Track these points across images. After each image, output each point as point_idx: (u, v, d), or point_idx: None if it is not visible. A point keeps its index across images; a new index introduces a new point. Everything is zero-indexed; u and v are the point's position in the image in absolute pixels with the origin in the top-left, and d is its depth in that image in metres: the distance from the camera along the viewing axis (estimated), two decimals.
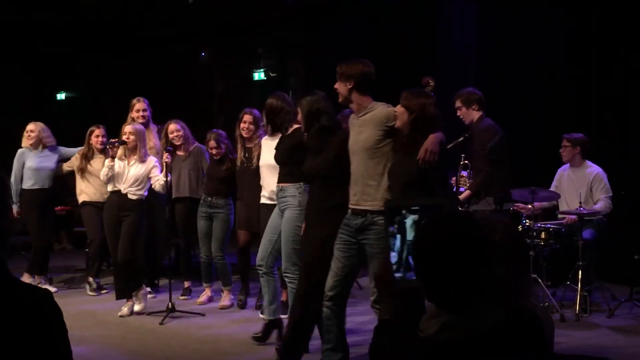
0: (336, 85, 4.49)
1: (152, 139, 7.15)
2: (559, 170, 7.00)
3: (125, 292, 6.51)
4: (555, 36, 7.95)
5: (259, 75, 10.93)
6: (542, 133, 7.67)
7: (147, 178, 6.50)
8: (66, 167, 7.61)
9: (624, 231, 6.84)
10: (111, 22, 11.05)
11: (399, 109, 4.28)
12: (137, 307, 6.44)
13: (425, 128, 4.20)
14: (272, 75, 10.93)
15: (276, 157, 5.41)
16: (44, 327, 1.77)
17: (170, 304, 6.33)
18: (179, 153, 7.04)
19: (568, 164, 6.92)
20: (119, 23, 11.10)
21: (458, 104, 5.96)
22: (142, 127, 6.56)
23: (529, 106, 7.88)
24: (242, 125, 6.44)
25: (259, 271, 5.43)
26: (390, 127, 4.31)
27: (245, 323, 6.22)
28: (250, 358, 5.25)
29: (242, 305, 6.73)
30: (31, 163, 7.50)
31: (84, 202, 7.44)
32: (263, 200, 6.09)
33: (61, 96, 13.10)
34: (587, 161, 6.84)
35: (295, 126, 5.29)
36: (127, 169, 6.43)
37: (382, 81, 7.28)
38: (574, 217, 6.36)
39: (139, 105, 7.18)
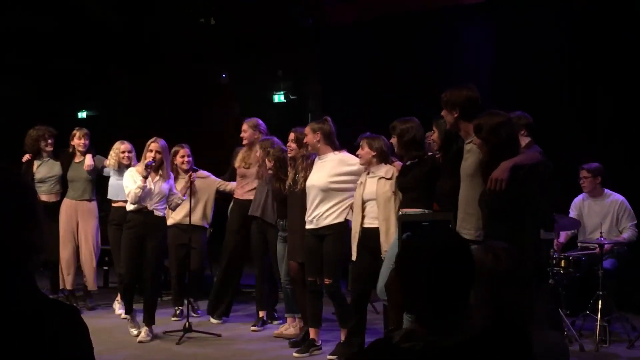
0: (443, 113, 4.40)
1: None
2: (577, 200, 6.94)
3: (153, 317, 6.36)
4: (573, 61, 7.94)
5: (278, 97, 10.97)
6: (559, 158, 7.62)
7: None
8: None
9: None
10: (131, 41, 11.16)
11: (476, 140, 4.10)
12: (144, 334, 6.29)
13: (500, 153, 3.98)
14: (291, 97, 10.96)
15: (404, 183, 5.17)
16: (71, 344, 1.77)
17: (187, 323, 6.33)
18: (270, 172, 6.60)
19: (585, 194, 6.87)
20: (139, 42, 11.21)
21: None
22: (165, 143, 6.43)
23: (545, 130, 7.84)
24: (287, 144, 6.21)
25: (383, 302, 5.19)
26: None
27: (263, 343, 6.22)
28: None
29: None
30: (112, 181, 7.46)
31: (169, 226, 7.05)
32: (308, 226, 5.82)
33: (82, 115, 13.21)
34: (605, 190, 6.81)
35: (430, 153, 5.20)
36: (153, 186, 6.28)
37: (399, 102, 7.30)
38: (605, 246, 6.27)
39: (243, 127, 7.03)
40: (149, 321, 6.31)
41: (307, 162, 6.02)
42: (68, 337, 1.76)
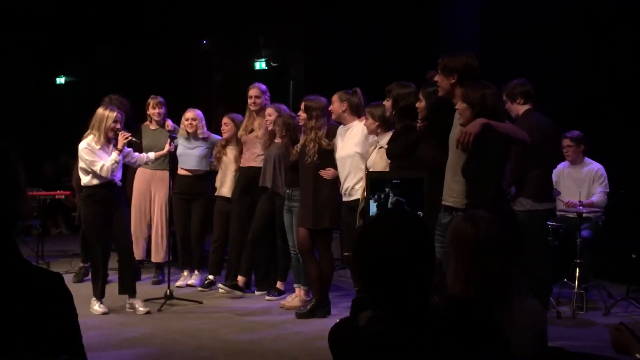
0: (437, 78, 4.33)
1: (263, 126, 6.79)
2: (557, 169, 6.99)
3: (133, 286, 6.24)
4: (561, 30, 7.91)
5: (259, 64, 10.89)
6: None
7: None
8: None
9: (621, 230, 6.86)
10: (112, 8, 11.02)
11: (460, 105, 4.07)
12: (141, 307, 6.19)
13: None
14: (273, 65, 10.90)
15: (393, 150, 5.06)
16: (55, 309, 1.78)
17: (168, 291, 6.34)
18: (277, 140, 6.52)
19: (566, 162, 6.93)
20: (120, 9, 11.07)
21: (504, 97, 5.63)
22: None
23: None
24: (298, 113, 6.08)
25: None
26: None
27: (244, 310, 6.26)
28: (251, 344, 5.28)
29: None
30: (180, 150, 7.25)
31: (217, 196, 7.20)
32: (344, 199, 5.76)
33: (60, 80, 13.09)
34: (586, 158, 6.86)
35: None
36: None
37: (385, 74, 7.27)
38: (575, 201, 6.35)
39: (251, 92, 6.94)
40: (134, 290, 6.26)
41: (319, 134, 5.92)
42: (51, 303, 1.77)
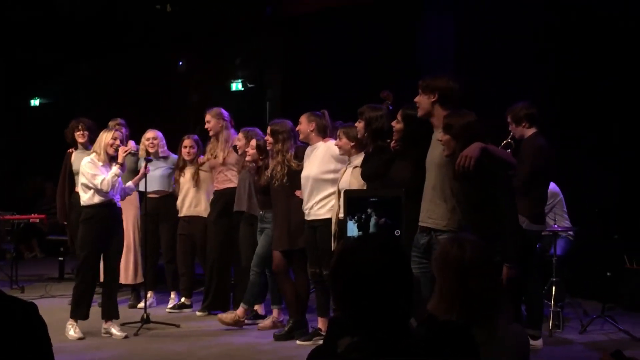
0: (417, 99, 4.33)
1: (225, 149, 6.88)
2: None
3: (115, 311, 6.16)
4: (535, 46, 8.00)
5: (236, 85, 10.92)
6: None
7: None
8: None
9: (596, 248, 6.92)
10: (88, 28, 11.00)
11: (442, 137, 4.08)
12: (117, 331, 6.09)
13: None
14: (249, 85, 10.93)
15: (367, 170, 5.07)
16: (29, 339, 1.76)
17: (145, 314, 6.28)
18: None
19: None
20: (95, 29, 11.05)
21: (508, 119, 5.67)
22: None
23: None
24: (266, 137, 6.10)
25: None
26: None
27: (222, 333, 6.20)
28: None
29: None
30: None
31: (179, 217, 7.24)
32: (306, 217, 5.73)
33: (35, 102, 13.01)
34: None
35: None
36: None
37: (361, 92, 7.35)
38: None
39: (207, 117, 6.96)
40: (117, 314, 6.19)
41: (287, 156, 5.92)
42: (25, 333, 1.75)
